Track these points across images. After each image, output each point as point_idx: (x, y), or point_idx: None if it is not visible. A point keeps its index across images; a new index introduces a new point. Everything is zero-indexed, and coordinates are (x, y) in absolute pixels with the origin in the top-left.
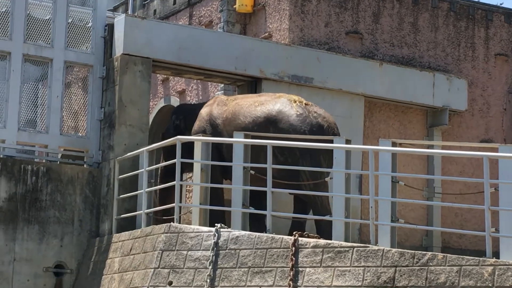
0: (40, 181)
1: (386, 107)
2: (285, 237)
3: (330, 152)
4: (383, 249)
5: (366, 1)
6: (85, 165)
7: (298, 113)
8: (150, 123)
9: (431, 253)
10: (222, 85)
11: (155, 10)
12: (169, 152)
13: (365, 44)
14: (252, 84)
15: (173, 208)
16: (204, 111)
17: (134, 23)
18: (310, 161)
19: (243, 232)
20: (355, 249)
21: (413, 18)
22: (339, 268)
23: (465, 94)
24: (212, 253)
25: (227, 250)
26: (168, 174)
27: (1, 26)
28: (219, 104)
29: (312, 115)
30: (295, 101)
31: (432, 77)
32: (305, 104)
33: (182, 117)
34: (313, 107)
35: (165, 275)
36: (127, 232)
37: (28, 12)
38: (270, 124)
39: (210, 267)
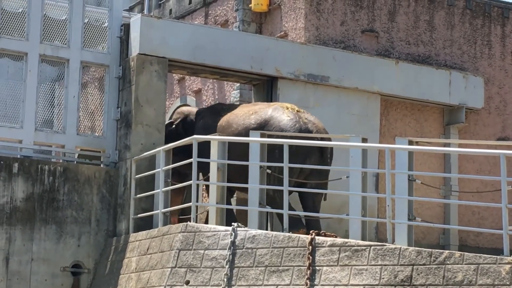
0: (57, 181)
1: (403, 105)
2: (302, 236)
3: (307, 154)
4: (400, 248)
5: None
6: (102, 165)
7: (289, 118)
8: (166, 122)
9: (448, 251)
10: (238, 84)
11: (170, 10)
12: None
13: (381, 43)
14: (268, 83)
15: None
16: (200, 122)
17: (150, 23)
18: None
19: (260, 231)
20: (372, 247)
21: (429, 16)
22: (356, 267)
23: (482, 92)
24: (229, 252)
25: (244, 249)
26: (173, 174)
27: (18, 26)
28: (214, 113)
29: (302, 120)
30: (287, 108)
31: (449, 75)
32: (296, 110)
33: (180, 122)
34: (304, 114)
35: (182, 275)
36: (144, 232)
37: (44, 13)
38: (261, 128)
39: (227, 266)
